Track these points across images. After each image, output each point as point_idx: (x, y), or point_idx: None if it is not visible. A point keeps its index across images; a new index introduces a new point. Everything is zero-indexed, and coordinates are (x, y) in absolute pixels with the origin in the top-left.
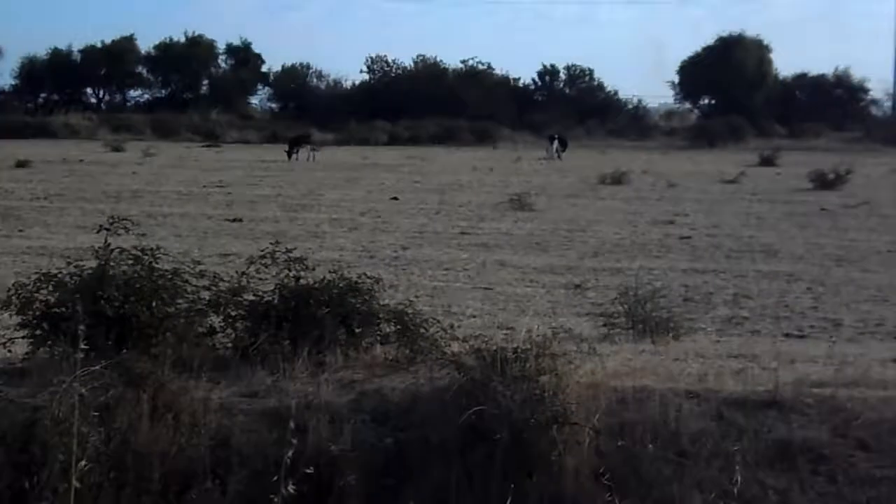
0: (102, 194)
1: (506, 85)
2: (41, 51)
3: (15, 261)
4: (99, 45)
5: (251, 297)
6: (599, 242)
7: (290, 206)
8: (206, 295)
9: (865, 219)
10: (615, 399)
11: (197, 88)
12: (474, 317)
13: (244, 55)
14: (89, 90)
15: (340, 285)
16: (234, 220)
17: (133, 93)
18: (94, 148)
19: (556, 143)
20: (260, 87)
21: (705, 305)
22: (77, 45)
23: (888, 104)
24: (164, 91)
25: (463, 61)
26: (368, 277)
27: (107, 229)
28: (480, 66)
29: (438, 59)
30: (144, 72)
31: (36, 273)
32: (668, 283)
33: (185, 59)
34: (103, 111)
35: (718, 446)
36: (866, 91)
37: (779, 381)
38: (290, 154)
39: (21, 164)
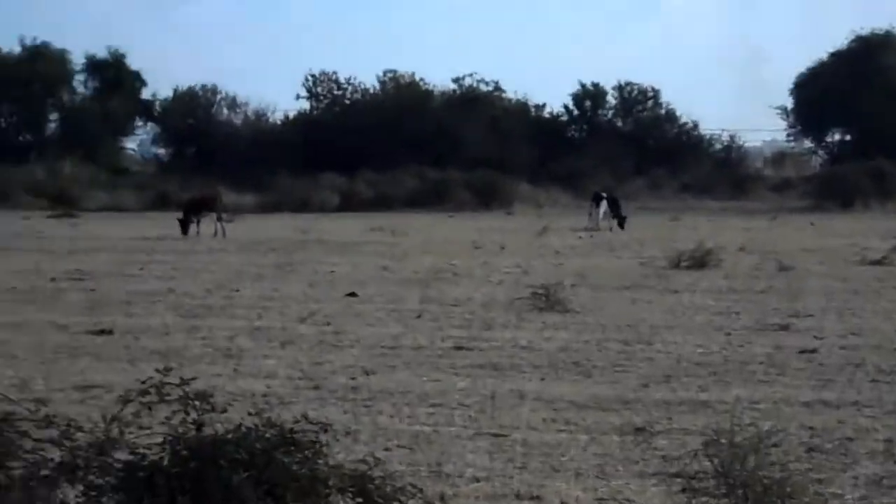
0: None
1: (523, 115)
2: None
3: None
4: None
5: (127, 457)
6: (672, 361)
7: (189, 310)
8: (55, 454)
9: None
10: None
11: (41, 127)
12: (478, 480)
13: (114, 74)
14: None
15: (267, 436)
16: (101, 333)
17: None
18: None
19: (603, 205)
20: (140, 122)
21: (842, 459)
22: None
23: None
24: None
25: (456, 80)
26: (311, 422)
27: None
28: (483, 87)
29: (418, 76)
30: None
31: None
32: (783, 424)
33: (20, 80)
34: None
35: None
36: None
37: None
38: (185, 226)
39: None
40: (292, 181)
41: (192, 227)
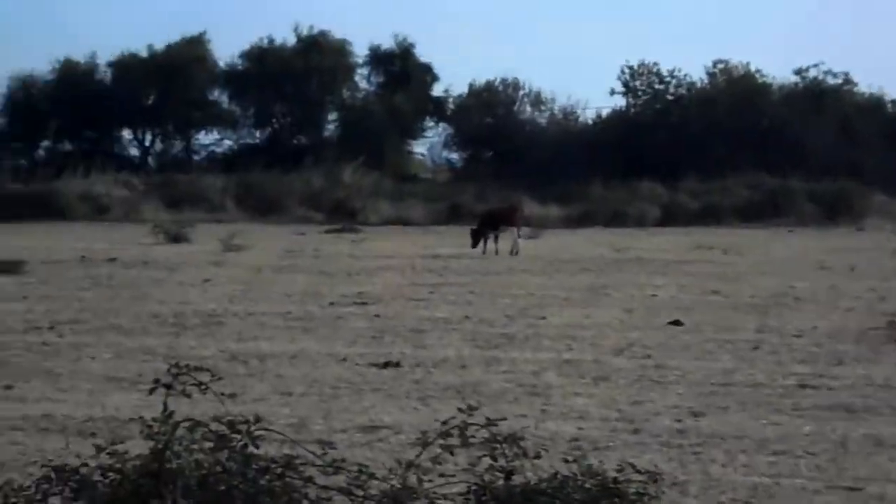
0: (152, 320)
1: (879, 113)
2: (41, 65)
3: None
4: (144, 52)
5: None
6: None
7: (487, 339)
8: None
9: None
10: None
11: (317, 128)
12: None
13: (401, 66)
14: (127, 133)
15: (587, 486)
16: (387, 366)
17: (204, 137)
18: (138, 236)
19: None
20: (431, 122)
21: None
22: (106, 55)
23: None
24: (258, 133)
25: (798, 71)
26: (637, 471)
27: (166, 386)
28: (831, 80)
29: (753, 67)
30: (224, 99)
31: (43, 465)
32: None
33: (295, 75)
34: (152, 170)
35: None
36: None
37: None
38: (477, 238)
39: (6, 269)
40: (605, 190)
41: (490, 243)
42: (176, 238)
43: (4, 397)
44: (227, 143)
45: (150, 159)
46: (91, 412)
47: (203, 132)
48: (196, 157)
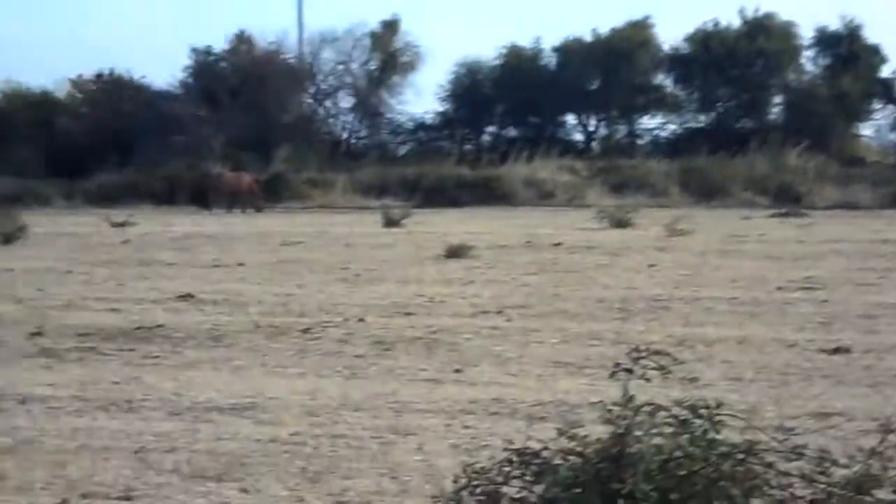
0: (598, 305)
1: None
2: (486, 49)
3: (450, 424)
4: (588, 37)
5: (890, 496)
6: None
7: None
8: (804, 491)
9: None
10: None
11: (761, 112)
12: None
13: (848, 48)
14: (571, 119)
15: None
16: (836, 352)
17: (648, 121)
18: (581, 221)
19: None
20: (878, 104)
21: None
22: (550, 40)
23: None
24: (702, 117)
25: None
26: None
27: (627, 370)
28: None
29: None
30: (668, 83)
31: (505, 449)
32: None
33: (740, 58)
34: (595, 155)
35: None
36: None
37: None
38: None
39: (454, 253)
40: None
41: None
42: (620, 223)
43: (455, 381)
44: (671, 127)
45: (593, 144)
46: (540, 396)
47: (647, 117)
48: (640, 142)
